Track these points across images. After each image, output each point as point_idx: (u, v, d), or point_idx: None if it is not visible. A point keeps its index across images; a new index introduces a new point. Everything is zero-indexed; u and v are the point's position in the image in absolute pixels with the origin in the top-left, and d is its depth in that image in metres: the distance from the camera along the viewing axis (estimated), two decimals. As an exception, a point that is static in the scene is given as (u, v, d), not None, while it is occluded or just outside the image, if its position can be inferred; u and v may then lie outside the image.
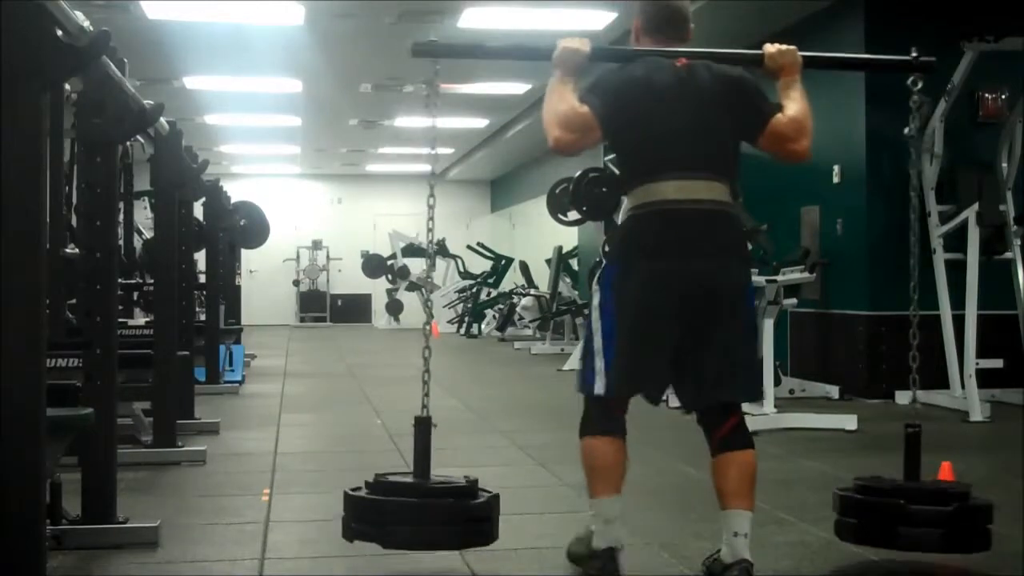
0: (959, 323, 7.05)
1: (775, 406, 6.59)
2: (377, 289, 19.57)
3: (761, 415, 6.45)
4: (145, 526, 3.63)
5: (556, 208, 10.45)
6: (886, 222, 7.57)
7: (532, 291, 15.07)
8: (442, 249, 18.20)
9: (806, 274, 6.96)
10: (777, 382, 6.97)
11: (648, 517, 3.92)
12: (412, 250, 17.86)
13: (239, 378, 8.75)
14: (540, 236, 16.19)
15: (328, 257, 20.86)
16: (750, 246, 7.17)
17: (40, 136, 2.44)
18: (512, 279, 17.06)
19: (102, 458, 3.67)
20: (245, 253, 13.88)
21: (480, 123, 14.48)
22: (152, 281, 6.63)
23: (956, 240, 7.24)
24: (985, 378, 6.93)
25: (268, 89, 11.90)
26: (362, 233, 20.44)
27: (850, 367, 7.84)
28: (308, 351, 13.91)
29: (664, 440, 5.37)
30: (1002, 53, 7.01)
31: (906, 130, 3.56)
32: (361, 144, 16.83)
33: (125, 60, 3.79)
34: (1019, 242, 7.11)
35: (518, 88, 11.75)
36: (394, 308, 18.66)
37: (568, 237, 14.06)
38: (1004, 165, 7.18)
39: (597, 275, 3.20)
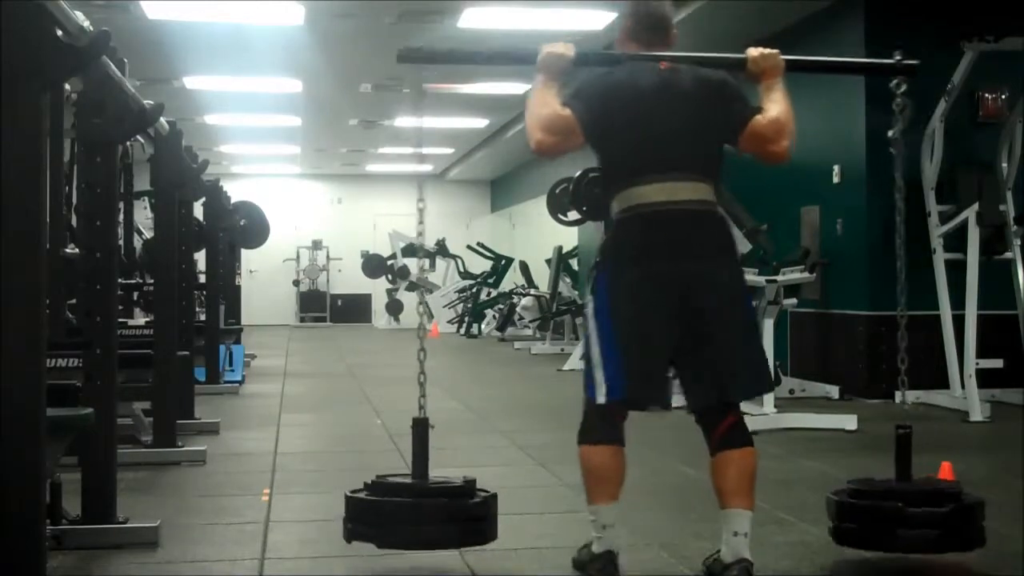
0: (959, 323, 7.05)
1: (775, 406, 6.59)
2: (377, 289, 19.57)
3: (761, 415, 6.45)
4: (145, 526, 3.63)
5: (556, 208, 10.45)
6: (886, 222, 7.55)
7: (532, 291, 15.07)
8: (442, 249, 18.21)
9: (806, 274, 6.96)
10: (777, 382, 6.98)
11: (648, 517, 3.92)
12: (412, 250, 17.85)
13: (239, 378, 8.75)
14: (540, 236, 16.19)
15: (328, 257, 20.87)
16: (750, 245, 7.25)
17: (40, 136, 2.44)
18: (512, 279, 17.06)
19: (102, 458, 3.67)
20: (245, 253, 13.88)
21: (480, 123, 14.48)
22: (152, 281, 6.63)
23: (956, 240, 7.23)
24: (985, 378, 6.92)
25: (268, 89, 11.90)
26: (362, 233, 20.44)
27: (850, 367, 7.83)
28: (308, 351, 13.92)
29: (663, 440, 5.37)
30: (1002, 53, 7.01)
31: (889, 133, 3.57)
32: (361, 144, 16.83)
33: (125, 60, 3.79)
34: (1019, 242, 7.10)
35: (518, 88, 11.75)
36: (394, 308, 18.66)
37: (568, 237, 14.06)
38: (1004, 165, 7.18)
39: (590, 282, 3.22)
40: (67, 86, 3.84)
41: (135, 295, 8.12)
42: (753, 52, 3.21)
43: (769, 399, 6.59)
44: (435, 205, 20.26)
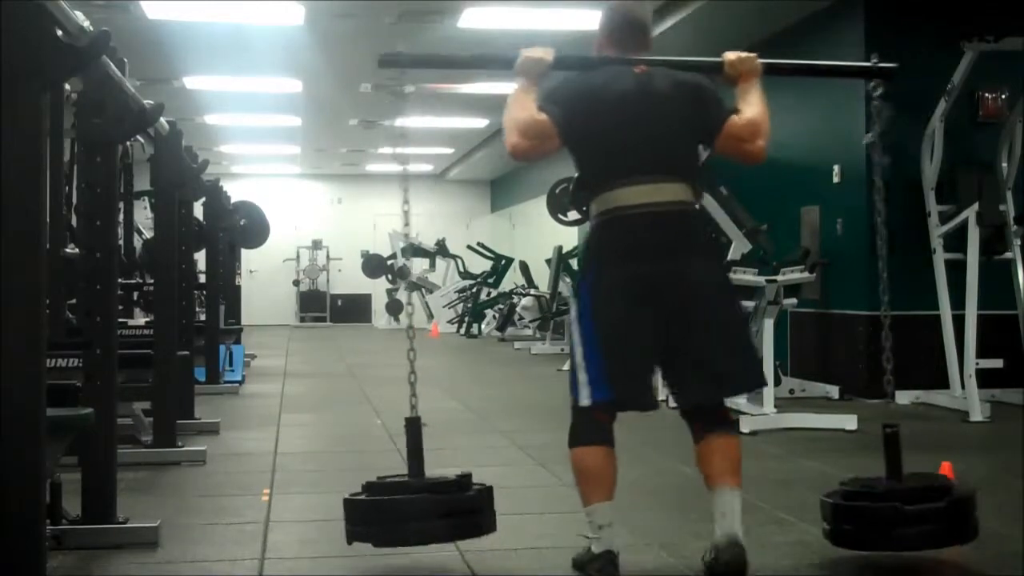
0: (959, 323, 7.05)
1: (775, 406, 6.60)
2: (377, 289, 19.56)
3: (761, 415, 6.45)
4: (145, 526, 3.63)
5: (556, 208, 10.46)
6: (886, 222, 7.56)
7: (532, 291, 15.07)
8: (442, 249, 18.21)
9: (806, 274, 6.96)
10: (777, 382, 6.98)
11: (648, 517, 3.92)
12: (412, 250, 17.86)
13: (239, 378, 8.75)
14: (540, 236, 16.19)
15: (328, 257, 20.86)
16: (750, 245, 7.24)
17: (40, 136, 2.44)
18: (512, 279, 17.06)
19: (102, 458, 3.67)
20: (245, 253, 13.88)
21: (480, 123, 14.48)
22: (152, 281, 6.63)
23: (956, 240, 7.24)
24: (985, 378, 6.92)
25: (268, 89, 11.90)
26: (362, 233, 20.44)
27: (850, 367, 7.83)
28: (308, 351, 13.92)
29: (663, 440, 5.37)
30: (1002, 53, 7.01)
31: (866, 139, 3.62)
32: (361, 144, 16.83)
33: (125, 60, 3.79)
34: (1019, 242, 7.10)
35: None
36: (394, 308, 18.65)
37: (568, 237, 14.05)
38: (1004, 165, 7.17)
39: (574, 286, 3.25)
40: (67, 86, 3.84)
41: (135, 295, 8.12)
42: (730, 56, 3.28)
43: (769, 399, 6.60)
44: (435, 205, 20.37)
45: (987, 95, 7.76)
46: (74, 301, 5.15)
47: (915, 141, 7.46)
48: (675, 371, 3.19)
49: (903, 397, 7.40)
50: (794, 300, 7.37)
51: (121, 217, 6.00)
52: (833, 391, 7.74)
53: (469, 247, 17.68)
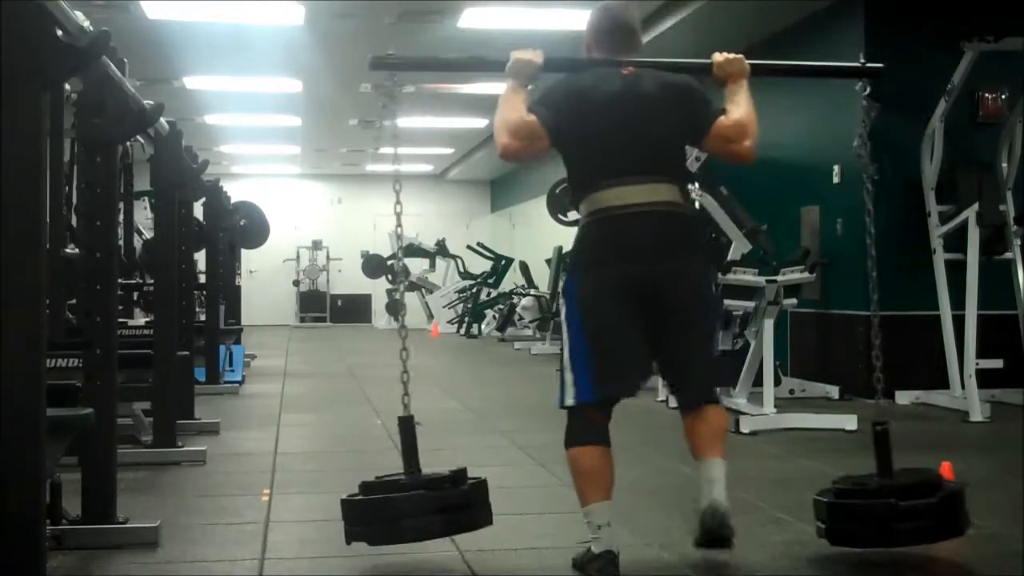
0: (959, 323, 7.05)
1: (775, 406, 6.60)
2: (377, 289, 19.55)
3: (761, 415, 6.45)
4: (145, 526, 3.63)
5: (556, 208, 10.48)
6: (886, 222, 7.55)
7: (532, 291, 15.07)
8: (442, 249, 18.21)
9: (806, 274, 6.96)
10: (777, 382, 6.97)
11: (648, 517, 3.92)
12: (412, 250, 17.86)
13: (239, 378, 8.75)
14: (540, 236, 16.19)
15: (328, 257, 20.85)
16: (750, 246, 7.23)
17: (40, 136, 2.44)
18: (512, 279, 17.06)
19: (102, 458, 3.67)
20: (245, 253, 13.88)
21: (480, 123, 14.47)
22: (152, 281, 6.63)
23: (956, 240, 7.24)
24: (985, 378, 6.92)
25: (268, 89, 11.89)
26: (362, 233, 20.42)
27: (850, 367, 7.83)
28: (308, 351, 13.92)
29: (664, 440, 5.37)
30: (1002, 53, 7.01)
31: (855, 142, 3.65)
32: (361, 144, 16.82)
33: (125, 60, 3.79)
34: (1019, 242, 7.10)
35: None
36: (394, 308, 18.64)
37: (568, 237, 14.02)
38: (1004, 165, 7.18)
39: (561, 286, 3.30)
40: (67, 86, 3.84)
41: (135, 295, 8.12)
42: (718, 57, 3.32)
43: (769, 399, 6.60)
44: (435, 205, 20.37)
45: (987, 95, 7.76)
46: (74, 301, 5.15)
47: (915, 141, 7.46)
48: (666, 371, 3.28)
49: (903, 397, 7.41)
50: (794, 300, 7.38)
51: (121, 217, 6.00)
52: (833, 391, 7.74)
53: (469, 247, 17.68)
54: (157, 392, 5.26)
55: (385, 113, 12.16)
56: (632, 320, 3.16)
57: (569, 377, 3.19)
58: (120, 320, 5.57)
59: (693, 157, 6.66)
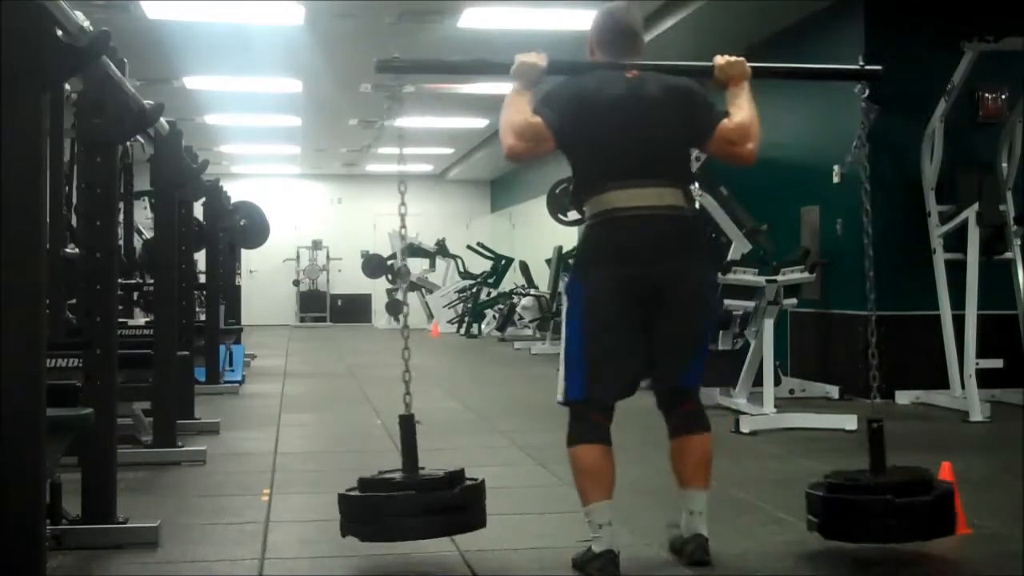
0: (959, 323, 7.05)
1: (775, 406, 6.59)
2: (377, 289, 19.55)
3: (761, 415, 6.45)
4: (145, 526, 3.63)
5: (556, 208, 10.47)
6: (886, 222, 7.56)
7: (532, 291, 15.07)
8: (442, 249, 18.21)
9: (806, 274, 6.96)
10: (777, 382, 6.97)
11: (648, 517, 3.91)
12: (412, 250, 17.86)
13: (239, 378, 8.75)
14: (540, 236, 16.19)
15: (328, 257, 20.85)
16: (750, 246, 7.23)
17: (40, 136, 2.44)
18: (512, 279, 17.06)
19: (102, 458, 3.67)
20: (245, 253, 13.87)
21: (480, 123, 14.47)
22: (152, 281, 6.63)
23: (956, 240, 7.24)
24: (985, 378, 6.92)
25: (268, 89, 11.89)
26: (362, 233, 20.42)
27: (850, 367, 7.83)
28: (308, 351, 13.92)
29: (664, 440, 5.36)
30: (1002, 53, 7.01)
31: (854, 144, 3.67)
32: (361, 144, 16.83)
33: (125, 60, 3.79)
34: (1019, 242, 7.10)
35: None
36: (394, 308, 18.64)
37: (568, 237, 14.05)
38: (1004, 165, 7.18)
39: (564, 285, 3.35)
40: (67, 86, 3.84)
41: (135, 295, 8.11)
42: (720, 60, 3.35)
43: (769, 399, 6.60)
44: (435, 205, 20.35)
45: (987, 95, 7.76)
46: (74, 301, 5.15)
47: (915, 141, 7.46)
48: (656, 369, 3.30)
49: (903, 397, 7.41)
50: (794, 300, 7.38)
51: (121, 217, 5.99)
52: (833, 391, 7.74)
53: (469, 247, 17.68)
54: (157, 392, 5.27)
55: (387, 113, 12.17)
56: (631, 322, 3.21)
57: (564, 374, 3.27)
58: (120, 320, 5.57)
59: (693, 158, 6.66)
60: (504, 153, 3.26)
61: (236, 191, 12.57)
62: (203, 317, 8.75)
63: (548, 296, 14.14)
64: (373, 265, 18.77)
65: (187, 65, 10.58)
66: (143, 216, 10.56)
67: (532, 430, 6.21)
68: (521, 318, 15.57)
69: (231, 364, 8.68)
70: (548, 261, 14.75)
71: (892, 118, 7.19)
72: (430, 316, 17.58)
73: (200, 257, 9.62)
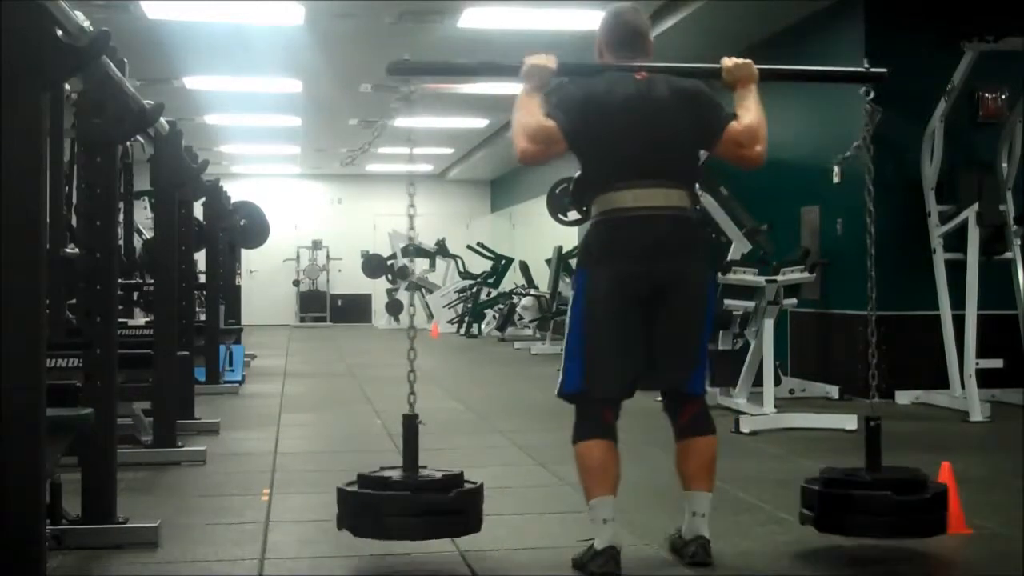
0: (959, 323, 7.05)
1: (775, 406, 6.59)
2: (377, 289, 19.56)
3: (761, 415, 6.45)
4: (145, 526, 3.63)
5: (556, 208, 10.46)
6: (886, 222, 7.55)
7: (532, 291, 15.07)
8: (442, 249, 18.20)
9: (806, 274, 6.96)
10: (777, 382, 6.97)
11: (648, 517, 3.92)
12: (413, 250, 17.85)
13: (239, 378, 8.75)
14: (540, 236, 16.18)
15: (328, 257, 20.86)
16: (750, 246, 7.23)
17: (40, 136, 2.44)
18: (512, 279, 17.05)
19: (102, 458, 3.67)
20: (245, 253, 13.88)
21: (480, 123, 14.48)
22: (152, 281, 6.63)
23: (956, 240, 7.24)
24: (985, 378, 6.92)
25: (268, 89, 11.89)
26: (362, 233, 20.43)
27: (850, 367, 7.83)
28: (308, 351, 13.91)
29: (665, 440, 5.35)
30: (1002, 53, 7.01)
31: (856, 144, 3.70)
32: (361, 144, 16.82)
33: (125, 60, 3.79)
34: (1019, 242, 7.10)
35: (518, 88, 11.73)
36: (394, 308, 18.65)
37: (568, 237, 14.05)
38: (1004, 165, 7.18)
39: (572, 279, 3.38)
40: (67, 86, 3.84)
41: (135, 295, 8.11)
42: (728, 62, 3.38)
43: (769, 399, 6.60)
44: (435, 205, 20.34)
45: (987, 95, 7.76)
46: (74, 301, 5.14)
47: (915, 141, 7.46)
48: (653, 363, 3.30)
49: (903, 397, 7.41)
50: (794, 300, 7.38)
51: (121, 217, 5.99)
52: (833, 391, 7.74)
53: (469, 247, 17.68)
54: (157, 392, 5.26)
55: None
56: (632, 320, 3.24)
57: (564, 367, 3.33)
58: (120, 320, 5.57)
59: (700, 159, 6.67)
60: (517, 156, 3.30)
61: (236, 191, 12.57)
62: (203, 317, 8.75)
63: (548, 296, 14.14)
64: (373, 265, 18.77)
65: (187, 65, 10.58)
66: (143, 216, 10.56)
67: (532, 430, 6.21)
68: (521, 318, 15.58)
69: (231, 364, 8.68)
70: (548, 261, 14.74)
71: (892, 118, 7.19)
72: (430, 316, 17.58)
73: (200, 257, 9.62)
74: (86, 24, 2.81)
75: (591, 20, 8.57)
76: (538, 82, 3.31)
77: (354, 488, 3.29)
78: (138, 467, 4.91)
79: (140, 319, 7.94)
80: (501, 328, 15.88)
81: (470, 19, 8.67)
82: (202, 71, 10.96)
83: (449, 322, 17.47)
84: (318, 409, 7.69)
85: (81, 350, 3.80)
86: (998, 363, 7.06)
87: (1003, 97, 7.75)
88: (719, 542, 3.34)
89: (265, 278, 19.98)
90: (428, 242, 17.94)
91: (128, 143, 5.87)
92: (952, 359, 7.15)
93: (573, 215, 9.96)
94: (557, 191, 10.32)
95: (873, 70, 3.58)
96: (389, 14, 8.61)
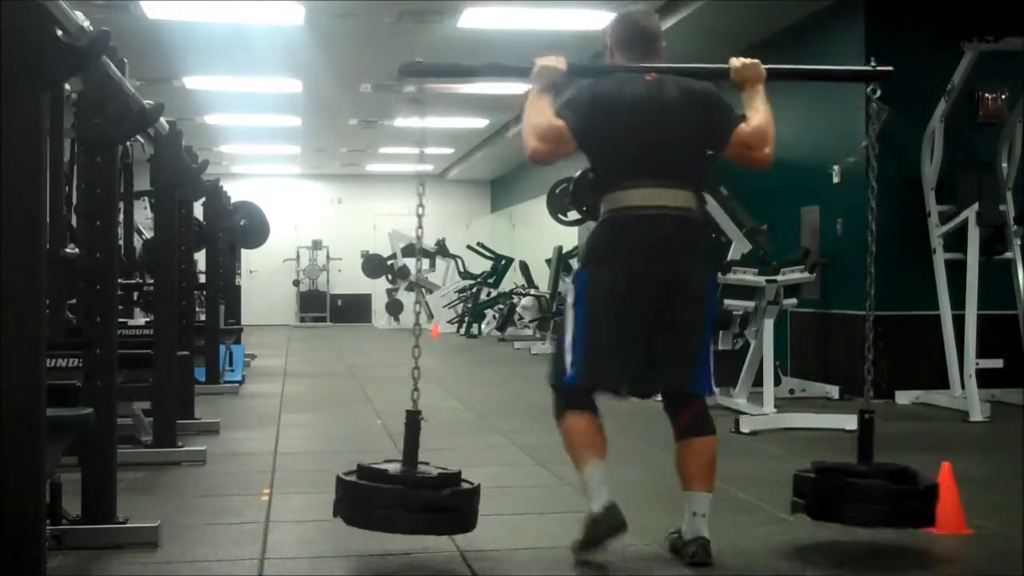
0: (959, 323, 7.05)
1: (775, 406, 6.59)
2: (377, 289, 19.57)
3: (761, 415, 6.45)
4: (145, 526, 3.63)
5: (556, 208, 10.45)
6: (887, 222, 7.55)
7: (532, 291, 15.07)
8: (442, 249, 18.21)
9: (806, 274, 6.97)
10: (777, 382, 6.98)
11: (648, 517, 3.91)
12: (412, 250, 17.86)
13: (239, 378, 8.75)
14: (540, 236, 16.19)
15: (328, 257, 20.86)
16: (750, 246, 7.23)
17: (40, 136, 2.44)
18: (512, 279, 17.06)
19: (102, 458, 3.67)
20: (245, 253, 13.87)
21: (480, 123, 14.48)
22: (152, 281, 6.63)
23: (956, 240, 7.24)
24: (985, 378, 6.92)
25: (268, 89, 11.89)
26: (362, 233, 20.44)
27: (850, 367, 7.82)
28: (308, 351, 13.91)
29: (665, 440, 5.35)
30: (1002, 53, 7.01)
31: (864, 144, 3.70)
32: (361, 144, 16.83)
33: (125, 60, 3.79)
34: (1019, 242, 7.11)
35: (518, 88, 11.73)
36: (394, 308, 18.66)
37: (568, 237, 14.06)
38: (1004, 165, 7.18)
39: (572, 275, 3.45)
40: (67, 86, 3.84)
41: (135, 295, 8.11)
42: (735, 62, 3.41)
43: (769, 399, 6.60)
44: (435, 205, 20.10)
45: (987, 95, 7.76)
46: (74, 301, 5.14)
47: (915, 141, 7.46)
48: (648, 358, 3.32)
49: (903, 397, 7.41)
50: (794, 300, 7.38)
51: (121, 217, 5.99)
52: (833, 391, 7.74)
53: (469, 247, 17.68)
54: (157, 392, 5.26)
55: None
56: (632, 319, 3.26)
57: (568, 359, 3.32)
58: (120, 320, 5.57)
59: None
60: (528, 155, 3.33)
61: (236, 191, 12.56)
62: (203, 317, 8.75)
63: (548, 296, 14.13)
64: (373, 265, 18.77)
65: (187, 65, 10.58)
66: (143, 216, 10.56)
67: (532, 430, 6.21)
68: (521, 318, 15.57)
69: (231, 364, 8.67)
70: (548, 261, 14.75)
71: (893, 118, 7.19)
72: (430, 316, 17.58)
73: (200, 257, 9.62)
74: (86, 24, 2.81)
75: (591, 20, 8.64)
76: (549, 82, 3.35)
77: (352, 478, 3.32)
78: (138, 467, 4.91)
79: (140, 319, 7.93)
80: (501, 328, 15.88)
81: (470, 19, 8.67)
82: (202, 71, 10.96)
83: (449, 322, 17.47)
84: (318, 409, 7.69)
85: (81, 350, 3.80)
86: (998, 363, 7.07)
87: (1003, 97, 7.75)
88: (719, 542, 3.34)
89: (265, 278, 19.98)
90: (428, 242, 17.95)
91: (128, 143, 5.87)
92: (952, 359, 7.15)
93: (573, 215, 9.96)
94: (557, 191, 10.31)
95: (879, 68, 3.59)
96: (389, 14, 8.61)
